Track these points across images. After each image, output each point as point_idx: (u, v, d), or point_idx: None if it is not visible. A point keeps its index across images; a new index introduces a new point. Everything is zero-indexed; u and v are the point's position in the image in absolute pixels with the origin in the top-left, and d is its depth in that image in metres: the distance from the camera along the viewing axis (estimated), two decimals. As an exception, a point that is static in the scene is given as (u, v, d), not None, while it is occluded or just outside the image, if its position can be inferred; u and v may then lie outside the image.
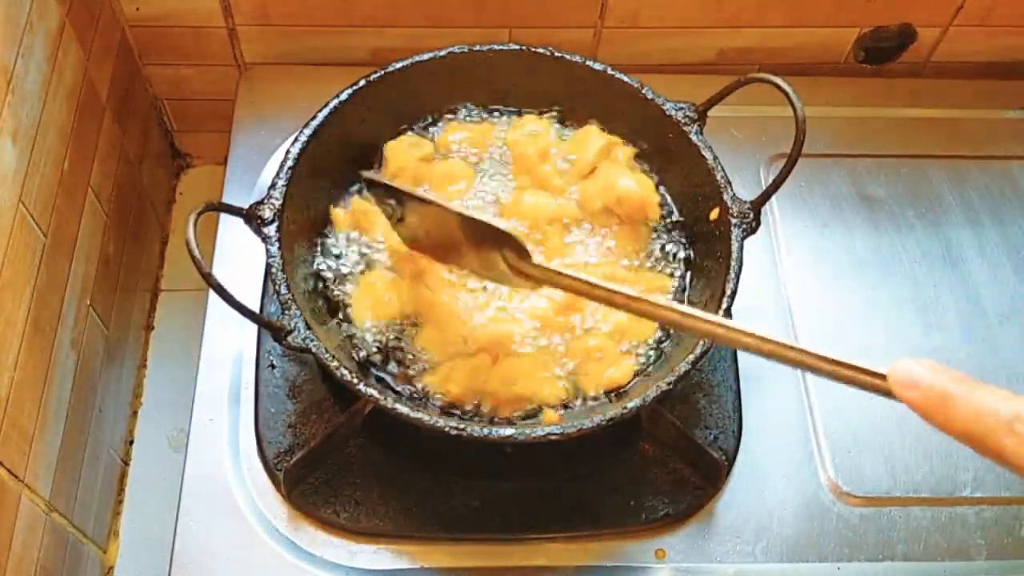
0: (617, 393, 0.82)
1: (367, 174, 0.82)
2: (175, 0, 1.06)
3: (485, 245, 0.74)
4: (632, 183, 0.88)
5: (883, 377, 0.53)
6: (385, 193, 0.79)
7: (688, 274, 0.89)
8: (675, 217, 0.91)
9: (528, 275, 0.73)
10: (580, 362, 0.83)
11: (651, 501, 0.86)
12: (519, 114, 0.96)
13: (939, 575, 0.87)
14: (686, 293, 0.89)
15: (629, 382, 0.83)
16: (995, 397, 0.46)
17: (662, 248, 0.90)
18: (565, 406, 0.82)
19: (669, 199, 0.92)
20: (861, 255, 1.03)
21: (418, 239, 0.82)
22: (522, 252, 0.72)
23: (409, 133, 0.93)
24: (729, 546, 0.86)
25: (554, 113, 0.95)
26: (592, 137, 0.92)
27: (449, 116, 0.95)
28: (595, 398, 0.82)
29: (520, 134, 0.93)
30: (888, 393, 0.52)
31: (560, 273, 0.71)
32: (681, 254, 0.90)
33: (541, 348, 0.83)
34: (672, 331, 0.85)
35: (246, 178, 1.03)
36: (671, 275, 0.89)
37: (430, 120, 0.95)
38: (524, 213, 0.88)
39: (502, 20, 1.09)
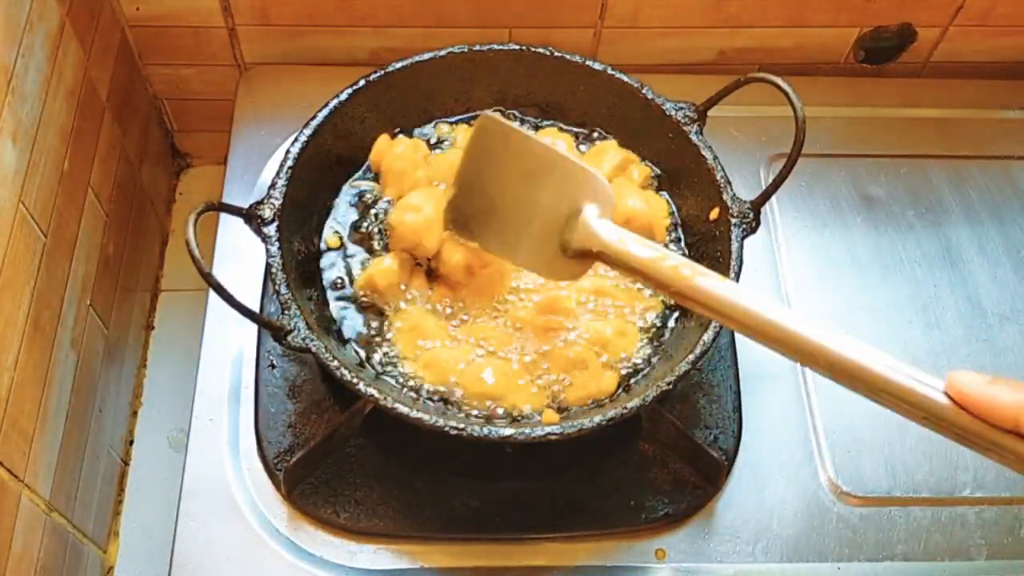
0: (599, 404, 0.81)
1: (489, 114, 0.75)
2: (175, 0, 1.06)
3: (562, 204, 0.71)
4: (641, 204, 0.87)
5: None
6: (489, 140, 0.75)
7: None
8: (679, 235, 0.91)
9: (596, 242, 0.69)
10: (559, 374, 0.82)
11: (651, 501, 0.86)
12: (521, 120, 0.96)
13: (939, 575, 0.87)
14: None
15: (613, 393, 0.82)
16: None
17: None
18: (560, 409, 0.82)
19: (679, 217, 0.92)
20: (861, 255, 1.03)
21: (468, 219, 0.78)
22: (606, 209, 0.70)
23: (400, 136, 0.93)
24: (729, 546, 0.86)
25: (574, 129, 0.95)
26: (609, 153, 0.92)
27: (441, 117, 0.95)
28: (576, 410, 0.81)
29: None
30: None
31: (625, 251, 0.67)
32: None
33: (523, 356, 0.83)
34: (670, 330, 0.85)
35: (246, 178, 1.03)
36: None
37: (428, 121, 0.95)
38: None
39: (502, 20, 1.09)
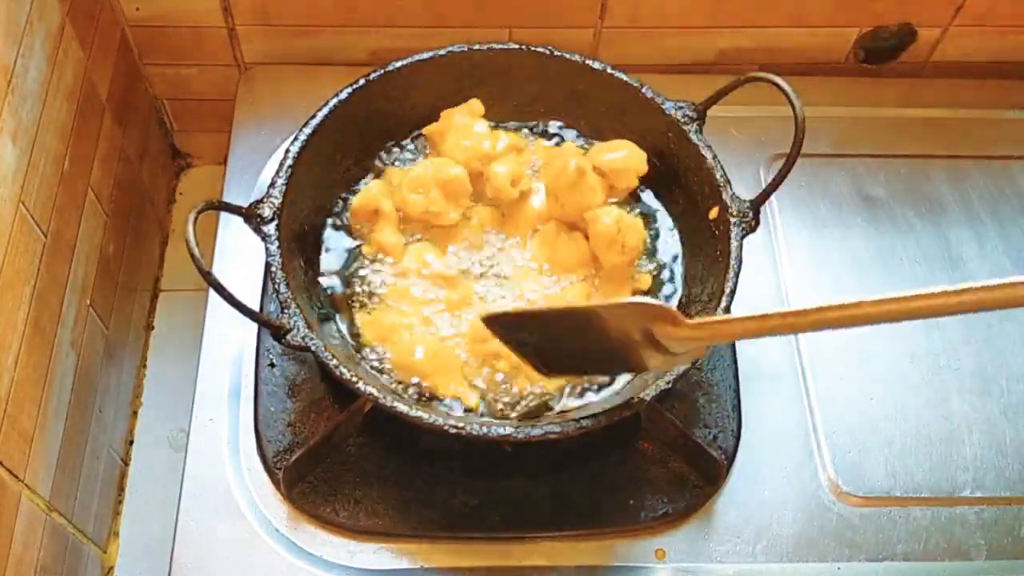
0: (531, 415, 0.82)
1: (485, 315, 0.75)
2: (175, 0, 1.06)
3: (633, 335, 0.69)
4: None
5: None
6: (508, 325, 0.75)
7: (685, 273, 0.89)
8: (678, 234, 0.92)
9: (686, 338, 0.67)
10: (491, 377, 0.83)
11: (650, 500, 0.86)
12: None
13: (939, 575, 0.87)
14: (679, 294, 0.89)
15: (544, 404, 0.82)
16: None
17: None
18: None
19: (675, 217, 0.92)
20: (861, 255, 1.03)
21: (551, 361, 0.77)
22: (676, 319, 0.66)
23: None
24: (729, 546, 0.86)
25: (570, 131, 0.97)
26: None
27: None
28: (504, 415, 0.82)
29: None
30: None
31: (725, 321, 0.67)
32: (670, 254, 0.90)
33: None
34: None
35: (246, 178, 1.03)
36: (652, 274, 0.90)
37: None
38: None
39: (502, 20, 1.09)
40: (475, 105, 0.92)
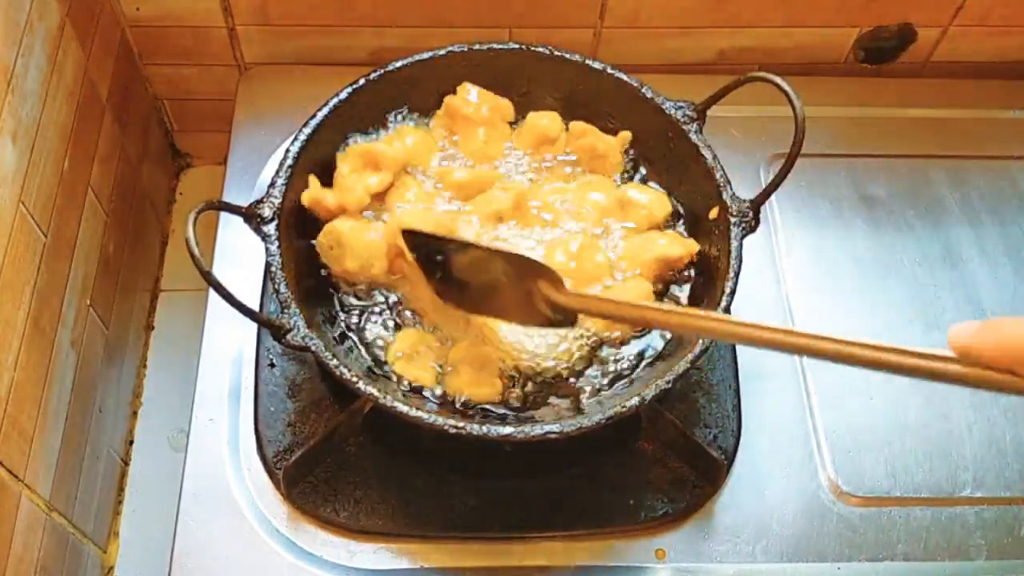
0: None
1: (406, 228, 0.80)
2: (175, 0, 1.06)
3: (521, 284, 0.75)
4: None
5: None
6: (424, 245, 0.79)
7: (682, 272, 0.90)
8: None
9: (563, 305, 0.74)
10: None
11: (650, 500, 0.86)
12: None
13: (939, 575, 0.87)
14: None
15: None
16: None
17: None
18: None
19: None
20: (861, 255, 1.03)
21: (454, 293, 0.81)
22: (557, 282, 0.74)
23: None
24: (729, 546, 0.86)
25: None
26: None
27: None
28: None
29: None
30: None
31: (597, 298, 0.73)
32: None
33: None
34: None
35: (246, 178, 1.03)
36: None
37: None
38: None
39: (502, 20, 1.09)
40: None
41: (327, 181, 0.87)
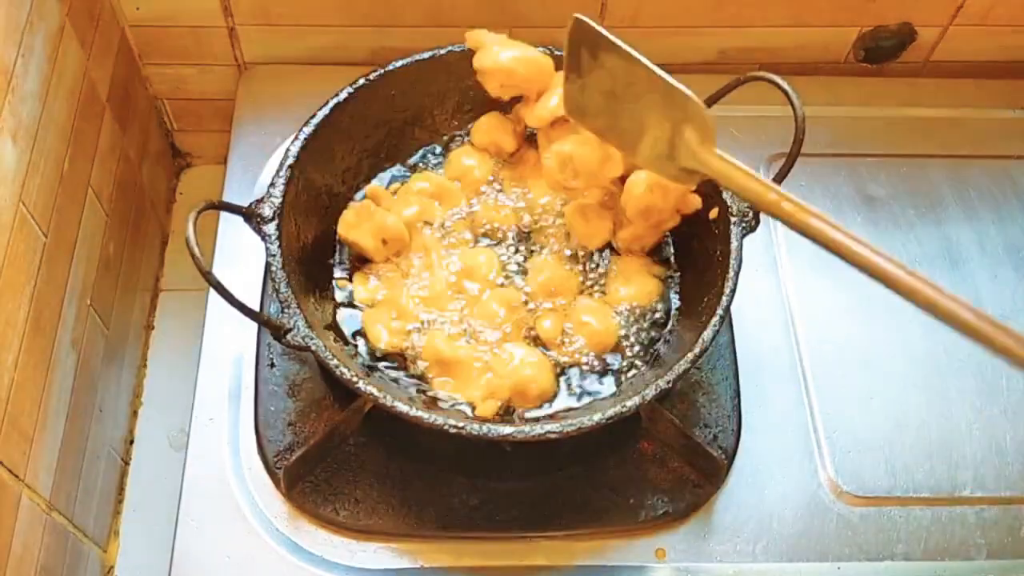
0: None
1: (580, 16, 0.75)
2: (175, 0, 1.06)
3: (667, 122, 0.71)
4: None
5: None
6: (588, 41, 0.75)
7: (682, 272, 0.90)
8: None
9: (702, 161, 0.70)
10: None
11: (651, 500, 0.86)
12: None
13: (939, 575, 0.87)
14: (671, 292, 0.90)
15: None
16: None
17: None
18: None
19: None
20: (861, 255, 1.03)
21: (590, 110, 0.78)
22: (707, 134, 0.69)
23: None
24: (729, 545, 0.86)
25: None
26: None
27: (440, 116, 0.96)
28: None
29: None
30: None
31: (740, 169, 0.68)
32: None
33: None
34: (668, 332, 0.85)
35: (246, 177, 1.03)
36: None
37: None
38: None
39: (502, 20, 1.09)
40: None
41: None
